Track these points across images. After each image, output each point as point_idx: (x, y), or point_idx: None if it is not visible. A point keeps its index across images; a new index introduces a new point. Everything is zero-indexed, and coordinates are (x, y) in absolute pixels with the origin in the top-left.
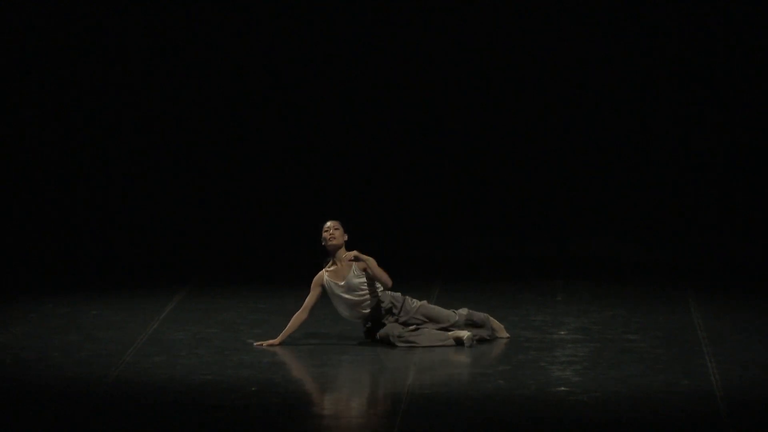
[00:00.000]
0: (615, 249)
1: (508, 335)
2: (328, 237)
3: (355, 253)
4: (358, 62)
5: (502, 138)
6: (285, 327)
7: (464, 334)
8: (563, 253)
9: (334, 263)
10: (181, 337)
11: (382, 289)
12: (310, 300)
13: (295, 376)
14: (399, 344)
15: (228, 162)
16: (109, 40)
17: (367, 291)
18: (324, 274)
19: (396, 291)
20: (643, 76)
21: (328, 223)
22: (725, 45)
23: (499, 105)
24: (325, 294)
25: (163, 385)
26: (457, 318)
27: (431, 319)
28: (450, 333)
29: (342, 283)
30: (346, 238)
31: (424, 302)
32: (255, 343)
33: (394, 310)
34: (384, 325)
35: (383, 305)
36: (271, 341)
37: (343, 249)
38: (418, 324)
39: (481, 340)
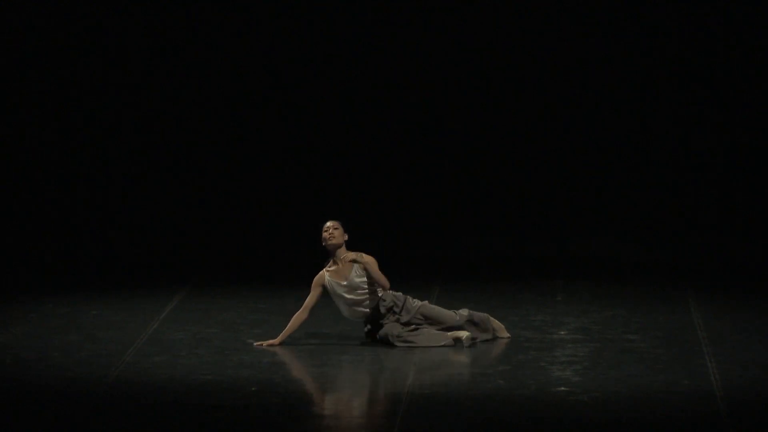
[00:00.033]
0: (615, 249)
1: (508, 335)
2: (328, 237)
3: (354, 256)
4: (358, 62)
5: (502, 138)
6: (285, 327)
7: (463, 334)
8: (563, 253)
9: (334, 263)
10: (181, 337)
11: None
12: (310, 300)
13: (295, 376)
14: (398, 344)
15: (228, 162)
16: (109, 40)
17: (368, 290)
18: (325, 274)
19: (396, 291)
20: (643, 76)
21: (328, 223)
22: (725, 45)
23: (499, 105)
24: (325, 294)
25: (163, 385)
26: (458, 318)
27: (432, 320)
28: (449, 333)
29: (344, 283)
30: (346, 237)
31: (426, 302)
32: (255, 343)
33: (396, 309)
34: (384, 324)
35: (384, 304)
36: (271, 341)
37: (343, 248)
38: (418, 324)
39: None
